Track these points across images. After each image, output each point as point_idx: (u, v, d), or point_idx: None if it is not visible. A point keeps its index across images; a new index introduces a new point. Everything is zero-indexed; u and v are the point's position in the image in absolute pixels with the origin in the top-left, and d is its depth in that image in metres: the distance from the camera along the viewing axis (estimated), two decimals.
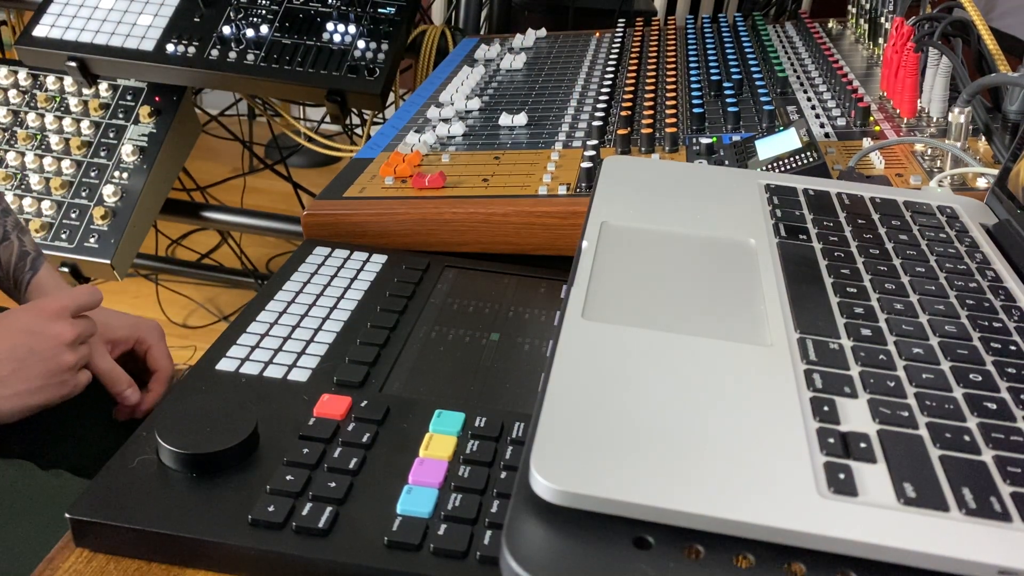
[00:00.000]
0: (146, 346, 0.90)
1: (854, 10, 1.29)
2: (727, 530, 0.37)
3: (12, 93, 1.62)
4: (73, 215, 1.50)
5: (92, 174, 1.54)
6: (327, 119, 2.12)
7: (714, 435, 0.41)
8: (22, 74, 1.64)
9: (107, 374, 0.85)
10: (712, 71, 1.11)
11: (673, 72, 1.14)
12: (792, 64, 1.17)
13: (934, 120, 0.94)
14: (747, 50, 1.19)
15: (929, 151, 0.87)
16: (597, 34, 1.38)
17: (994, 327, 0.53)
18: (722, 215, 0.65)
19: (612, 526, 0.37)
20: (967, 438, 0.42)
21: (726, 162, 0.86)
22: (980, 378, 0.47)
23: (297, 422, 0.56)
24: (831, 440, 0.41)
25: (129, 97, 1.60)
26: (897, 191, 0.73)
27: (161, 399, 0.85)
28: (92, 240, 1.48)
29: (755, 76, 1.07)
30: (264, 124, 2.60)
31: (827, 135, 0.93)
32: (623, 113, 0.98)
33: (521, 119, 1.02)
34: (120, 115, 1.59)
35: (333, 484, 0.51)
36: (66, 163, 1.54)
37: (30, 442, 0.83)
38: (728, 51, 1.20)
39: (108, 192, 1.51)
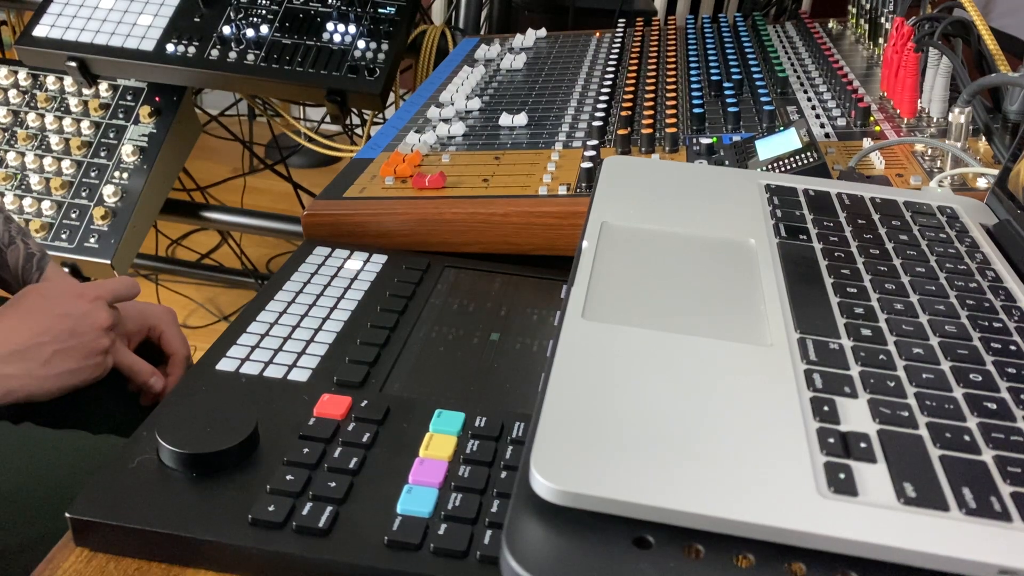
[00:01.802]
0: (158, 332, 0.93)
1: (854, 10, 1.29)
2: (727, 530, 0.37)
3: (12, 93, 1.62)
4: (73, 215, 1.50)
5: (92, 174, 1.54)
6: (327, 119, 2.12)
7: (714, 435, 0.41)
8: (22, 74, 1.64)
9: (129, 368, 0.87)
10: (712, 71, 1.11)
11: (673, 72, 1.14)
12: (792, 64, 1.17)
13: (934, 120, 0.94)
14: (747, 50, 1.19)
15: (929, 151, 0.87)
16: (597, 34, 1.38)
17: (994, 327, 0.53)
18: (722, 215, 0.65)
19: (612, 526, 0.37)
20: (967, 438, 0.42)
21: (726, 162, 0.86)
22: (980, 378, 0.47)
23: (297, 422, 0.56)
24: (831, 440, 0.41)
25: (129, 97, 1.60)
26: (897, 191, 0.73)
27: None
28: (92, 240, 1.48)
29: (755, 76, 1.07)
30: (264, 124, 2.60)
31: (827, 135, 0.93)
32: (623, 113, 0.98)
33: (521, 119, 1.02)
34: (120, 115, 1.59)
35: (333, 484, 0.51)
36: (66, 163, 1.54)
37: (71, 412, 0.85)
38: (728, 51, 1.20)
39: (108, 192, 1.51)
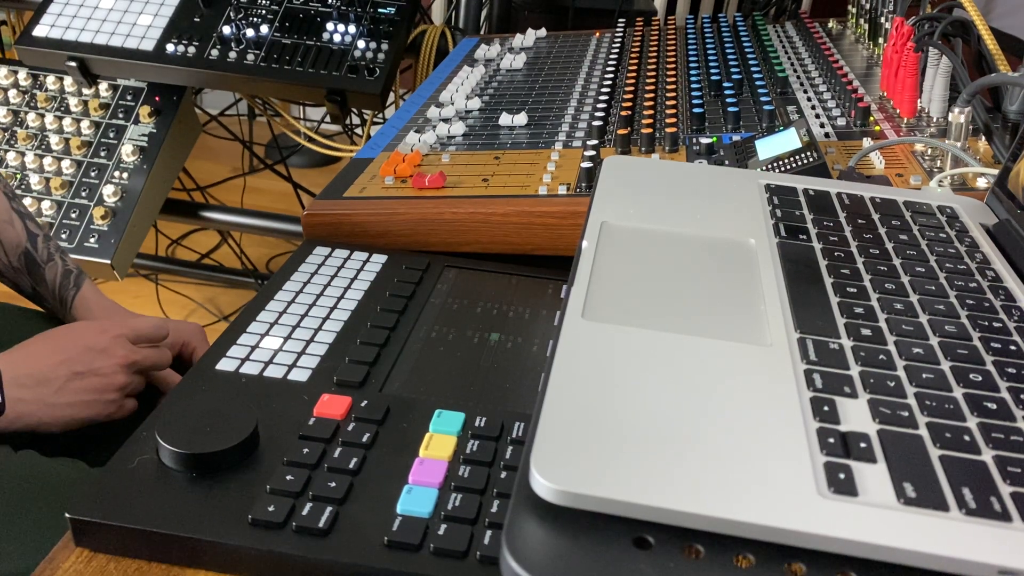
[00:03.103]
0: (191, 348, 0.95)
1: (854, 10, 1.29)
2: (727, 530, 0.37)
3: (12, 93, 1.62)
4: (73, 215, 1.50)
5: (92, 174, 1.54)
6: (327, 119, 2.12)
7: (714, 435, 0.41)
8: (22, 74, 1.64)
9: (163, 380, 0.90)
10: (712, 71, 1.11)
11: (673, 72, 1.14)
12: (792, 64, 1.17)
13: (934, 120, 0.94)
14: (747, 50, 1.19)
15: (929, 151, 0.87)
16: (597, 34, 1.38)
17: (994, 327, 0.53)
18: (722, 215, 0.65)
19: (612, 526, 0.37)
20: (967, 438, 0.42)
21: (726, 162, 0.86)
22: (980, 378, 0.47)
23: (297, 422, 0.56)
24: (831, 440, 0.41)
25: (129, 97, 1.60)
26: (897, 191, 0.73)
27: None
28: (92, 240, 1.48)
29: (755, 76, 1.07)
30: (264, 124, 2.60)
31: (827, 135, 0.93)
32: (623, 113, 0.98)
33: (521, 119, 1.01)
34: (120, 115, 1.59)
35: (333, 484, 0.51)
36: (66, 163, 1.54)
37: (72, 442, 0.85)
38: (728, 51, 1.20)
39: (108, 192, 1.51)
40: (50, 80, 1.62)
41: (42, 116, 1.60)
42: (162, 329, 0.90)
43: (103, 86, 1.61)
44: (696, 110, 0.98)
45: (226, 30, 1.45)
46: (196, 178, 2.10)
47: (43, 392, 0.78)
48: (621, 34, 1.34)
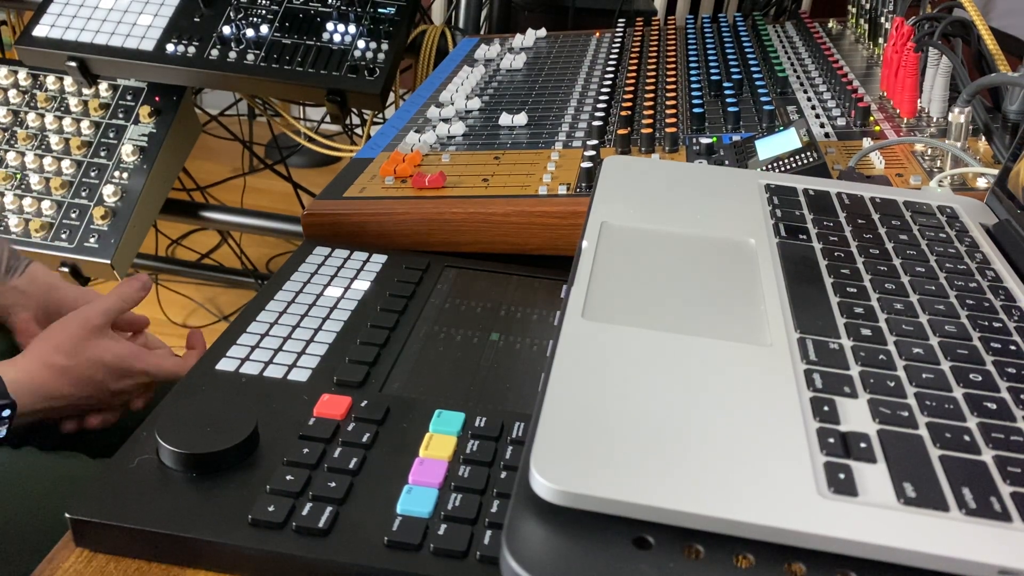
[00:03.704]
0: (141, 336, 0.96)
1: (854, 10, 1.29)
2: (727, 530, 0.37)
3: (12, 93, 1.62)
4: (73, 215, 1.50)
5: (92, 174, 1.54)
6: (327, 119, 2.12)
7: (714, 435, 0.41)
8: (22, 74, 1.64)
9: (174, 375, 0.89)
10: (712, 71, 1.11)
11: (673, 72, 1.14)
12: (792, 64, 1.17)
13: (934, 120, 0.94)
14: (747, 50, 1.19)
15: (929, 151, 0.87)
16: (597, 34, 1.38)
17: (994, 327, 0.53)
18: (722, 215, 0.65)
19: (612, 526, 0.37)
20: (967, 438, 0.42)
21: (726, 162, 0.86)
22: (980, 378, 0.47)
23: (297, 422, 0.56)
24: (831, 440, 0.41)
25: (129, 97, 1.60)
26: (897, 191, 0.73)
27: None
28: (92, 240, 1.47)
29: (755, 76, 1.07)
30: (264, 124, 2.60)
31: (827, 135, 0.93)
32: (623, 113, 0.98)
33: (521, 119, 1.01)
34: (120, 115, 1.59)
35: (333, 484, 0.51)
36: (66, 163, 1.54)
37: (72, 437, 0.86)
38: (728, 51, 1.20)
39: (108, 192, 1.51)
40: (50, 80, 1.62)
41: (42, 116, 1.60)
42: (184, 372, 0.90)
43: (103, 86, 1.61)
44: (696, 110, 0.98)
45: (226, 30, 1.45)
46: (196, 178, 2.09)
47: (44, 407, 0.79)
48: (621, 34, 1.34)
